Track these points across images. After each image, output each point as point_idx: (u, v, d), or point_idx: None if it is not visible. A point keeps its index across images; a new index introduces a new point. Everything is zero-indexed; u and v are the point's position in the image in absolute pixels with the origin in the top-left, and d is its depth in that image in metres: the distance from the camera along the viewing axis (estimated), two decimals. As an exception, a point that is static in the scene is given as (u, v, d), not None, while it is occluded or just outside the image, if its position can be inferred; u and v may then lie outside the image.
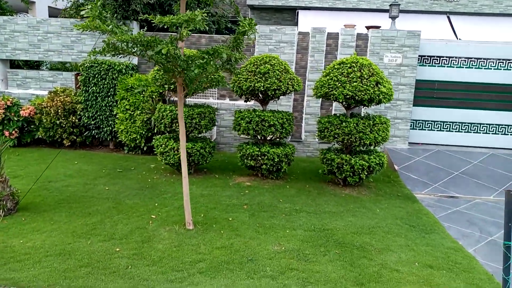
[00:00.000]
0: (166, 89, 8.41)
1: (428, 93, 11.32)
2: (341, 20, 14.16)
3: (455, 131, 11.46)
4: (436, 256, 5.71)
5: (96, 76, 10.53)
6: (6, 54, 11.63)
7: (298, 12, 16.39)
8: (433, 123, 11.49)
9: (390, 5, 10.95)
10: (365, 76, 7.87)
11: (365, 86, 7.76)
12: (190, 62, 5.37)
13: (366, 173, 8.22)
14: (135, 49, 5.22)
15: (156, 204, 7.23)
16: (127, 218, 6.56)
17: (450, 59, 11.18)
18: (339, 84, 7.88)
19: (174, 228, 6.22)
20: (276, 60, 8.59)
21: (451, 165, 10.19)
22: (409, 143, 11.23)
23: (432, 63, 11.23)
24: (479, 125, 11.37)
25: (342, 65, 8.11)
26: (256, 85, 8.25)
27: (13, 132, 10.53)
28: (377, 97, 7.83)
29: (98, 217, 6.54)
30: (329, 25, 12.46)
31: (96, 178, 8.56)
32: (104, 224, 6.29)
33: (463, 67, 11.20)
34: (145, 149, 10.59)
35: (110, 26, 5.05)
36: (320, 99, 11.04)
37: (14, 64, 12.52)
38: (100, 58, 10.92)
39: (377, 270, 5.25)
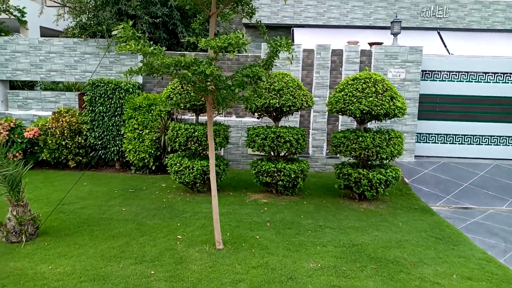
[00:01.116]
0: (181, 107, 8.33)
1: (430, 107, 11.55)
2: (336, 38, 14.44)
3: (458, 143, 11.68)
4: (471, 268, 5.74)
5: (103, 95, 10.40)
6: (7, 75, 11.41)
7: (293, 30, 16.62)
8: (436, 136, 11.70)
9: (391, 22, 11.23)
10: (380, 91, 8.00)
11: (380, 101, 7.88)
12: (230, 82, 5.36)
13: (383, 187, 8.27)
14: (170, 69, 5.18)
15: (179, 224, 7.09)
16: (153, 239, 6.40)
17: (451, 73, 11.48)
18: (355, 100, 7.97)
19: (204, 248, 6.09)
20: (288, 77, 8.66)
21: (459, 176, 10.35)
22: (415, 156, 11.38)
23: (434, 77, 11.50)
24: (481, 137, 11.63)
25: (356, 80, 8.22)
26: (271, 101, 8.28)
27: (17, 154, 10.24)
28: (392, 112, 7.95)
29: (123, 239, 6.36)
30: (324, 42, 12.66)
31: (109, 200, 8.36)
32: (131, 246, 6.12)
33: (463, 81, 11.50)
34: (153, 168, 10.44)
35: (151, 48, 5.01)
36: (326, 114, 11.16)
37: (12, 85, 12.26)
38: (106, 77, 10.83)
39: (418, 284, 5.23)
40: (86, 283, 5.01)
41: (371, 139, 8.04)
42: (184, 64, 4.99)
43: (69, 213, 7.48)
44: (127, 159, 10.49)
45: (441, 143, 11.71)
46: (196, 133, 8.45)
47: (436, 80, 11.50)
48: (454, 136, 11.69)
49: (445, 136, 11.70)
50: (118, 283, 5.04)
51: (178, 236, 6.55)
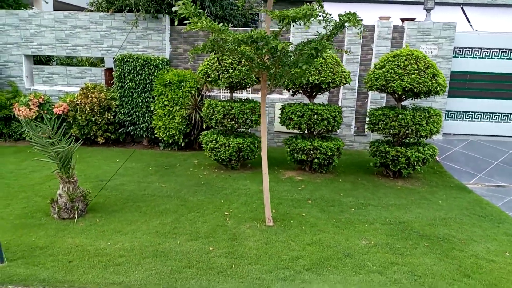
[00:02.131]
0: (220, 84, 8.25)
1: (460, 84, 11.42)
2: (359, 12, 14.12)
3: (486, 121, 11.62)
4: (522, 246, 5.80)
5: (132, 71, 10.28)
6: (32, 50, 11.26)
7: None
8: (464, 113, 11.63)
9: (425, -3, 10.98)
10: (422, 68, 7.89)
11: (423, 79, 7.78)
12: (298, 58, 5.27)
13: (420, 165, 8.27)
14: (232, 45, 5.08)
15: (222, 201, 7.12)
16: (201, 216, 6.45)
17: (482, 50, 11.30)
18: (397, 77, 7.87)
19: (255, 224, 6.14)
20: (326, 52, 8.50)
21: (488, 154, 10.35)
22: (442, 133, 11.34)
23: (464, 54, 11.33)
24: (509, 115, 11.55)
25: (397, 57, 8.10)
26: (310, 78, 8.18)
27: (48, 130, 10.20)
28: (434, 89, 7.86)
29: (172, 216, 6.41)
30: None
31: (146, 176, 8.39)
32: (182, 223, 6.17)
33: (494, 58, 11.34)
34: (182, 145, 10.42)
35: (221, 24, 4.90)
36: (356, 91, 11.06)
37: (34, 60, 12.15)
38: (133, 53, 10.68)
39: (474, 261, 5.29)
40: (149, 259, 5.07)
41: (411, 116, 7.98)
42: (253, 39, 4.88)
43: (111, 190, 7.51)
44: (156, 135, 10.46)
45: (468, 120, 11.65)
46: (233, 110, 8.38)
47: (467, 57, 11.33)
48: (482, 114, 11.61)
49: (473, 113, 11.62)
50: (180, 259, 5.10)
51: (225, 213, 6.59)
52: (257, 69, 5.56)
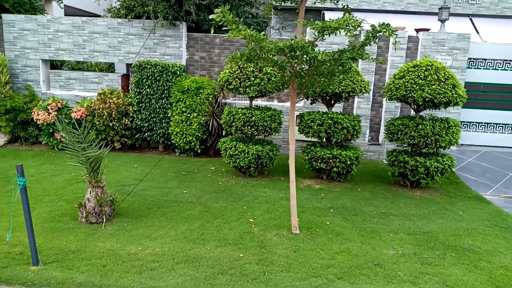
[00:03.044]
0: (241, 92, 8.34)
1: (473, 95, 11.52)
2: (373, 23, 14.26)
3: (499, 132, 11.70)
4: (548, 257, 5.84)
5: (150, 77, 10.36)
6: (49, 55, 11.34)
7: (324, 13, 16.43)
8: (477, 124, 11.71)
9: (439, 8, 11.12)
10: (442, 79, 7.97)
11: (443, 89, 7.86)
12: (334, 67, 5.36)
13: (439, 175, 8.33)
14: (268, 54, 5.16)
15: (245, 208, 7.16)
16: (226, 222, 6.48)
17: (495, 61, 11.42)
18: (417, 87, 7.95)
19: (281, 232, 6.18)
20: (346, 62, 8.60)
21: (503, 166, 10.41)
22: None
23: (478, 65, 11.44)
24: (522, 127, 11.65)
25: (416, 67, 8.19)
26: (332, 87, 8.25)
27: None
28: (454, 100, 7.94)
29: (198, 222, 6.44)
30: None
31: (166, 182, 8.43)
32: (208, 229, 6.21)
33: (507, 70, 11.45)
34: (199, 151, 10.48)
35: (262, 33, 4.99)
36: (371, 101, 11.15)
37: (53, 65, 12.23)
38: (150, 59, 10.77)
39: (503, 273, 5.33)
40: (182, 265, 5.10)
41: (431, 127, 8.05)
42: (292, 48, 4.96)
43: (133, 195, 7.54)
44: (172, 141, 10.50)
45: (481, 131, 11.74)
46: (253, 117, 8.45)
47: (480, 68, 11.45)
48: (495, 125, 11.70)
49: (486, 125, 11.71)
50: (212, 265, 5.13)
51: (249, 220, 6.62)
52: (287, 77, 5.64)
